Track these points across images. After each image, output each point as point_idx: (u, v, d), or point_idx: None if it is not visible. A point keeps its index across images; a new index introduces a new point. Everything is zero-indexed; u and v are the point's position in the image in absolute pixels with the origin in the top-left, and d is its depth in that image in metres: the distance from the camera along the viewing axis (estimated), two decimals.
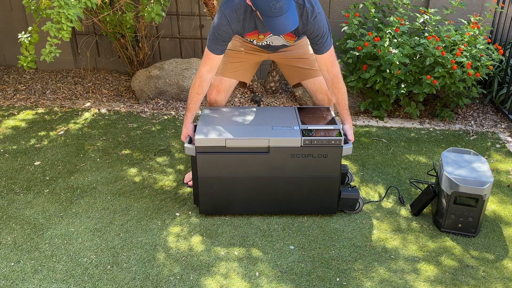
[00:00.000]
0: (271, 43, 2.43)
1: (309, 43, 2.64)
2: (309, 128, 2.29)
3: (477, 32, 3.54)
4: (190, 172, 2.73)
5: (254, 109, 2.54)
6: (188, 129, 2.43)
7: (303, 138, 2.22)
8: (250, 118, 2.41)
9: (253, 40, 2.42)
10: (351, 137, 2.41)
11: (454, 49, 3.46)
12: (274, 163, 2.28)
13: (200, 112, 2.54)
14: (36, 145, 3.19)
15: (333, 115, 2.44)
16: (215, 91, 2.59)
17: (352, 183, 2.78)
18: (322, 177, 2.32)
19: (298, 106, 2.57)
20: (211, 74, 2.38)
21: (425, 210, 2.54)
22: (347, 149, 2.28)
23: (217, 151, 2.25)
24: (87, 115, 3.72)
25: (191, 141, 2.38)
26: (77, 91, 4.20)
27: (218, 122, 2.36)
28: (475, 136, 3.46)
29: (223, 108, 2.56)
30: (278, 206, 2.41)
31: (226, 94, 2.61)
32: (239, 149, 2.25)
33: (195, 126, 2.46)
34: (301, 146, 2.24)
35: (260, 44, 2.45)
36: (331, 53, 2.35)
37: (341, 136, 2.24)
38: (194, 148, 2.26)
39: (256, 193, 2.36)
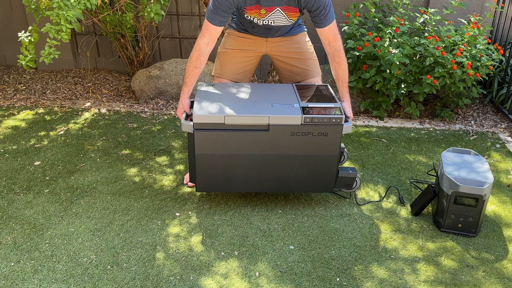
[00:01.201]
0: (272, 23, 2.39)
1: (308, 39, 2.63)
2: (309, 105, 2.26)
3: (477, 32, 3.54)
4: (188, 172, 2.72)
5: (252, 85, 2.52)
6: (184, 104, 2.39)
7: (303, 115, 2.20)
8: (248, 94, 2.38)
9: (254, 18, 2.37)
10: (349, 114, 2.40)
11: (454, 49, 3.46)
12: (273, 141, 2.25)
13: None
14: (36, 145, 3.19)
15: (332, 92, 2.42)
16: None
17: (345, 164, 2.74)
18: (321, 155, 2.30)
19: (296, 83, 2.54)
20: (210, 47, 2.33)
21: (425, 210, 2.54)
22: (347, 127, 2.27)
23: (215, 128, 2.21)
24: (87, 115, 3.72)
25: (187, 117, 2.34)
26: (77, 91, 4.20)
27: (216, 98, 2.32)
28: (475, 136, 3.46)
29: (220, 83, 2.53)
30: (276, 184, 2.38)
31: None
32: (238, 127, 2.22)
33: (192, 102, 2.42)
34: (301, 124, 2.22)
35: (261, 23, 2.40)
36: (333, 26, 2.33)
37: (342, 114, 2.23)
38: (191, 125, 2.22)
39: (254, 171, 2.33)
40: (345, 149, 2.71)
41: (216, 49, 2.66)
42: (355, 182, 2.45)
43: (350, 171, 2.43)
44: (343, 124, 2.24)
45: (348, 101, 2.44)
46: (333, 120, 2.22)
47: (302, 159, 2.31)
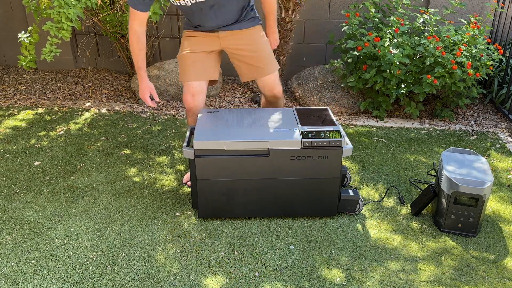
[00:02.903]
0: None
1: (262, 33, 2.57)
2: (308, 129, 2.28)
3: (477, 32, 3.54)
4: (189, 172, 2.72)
5: (252, 110, 2.53)
6: (147, 84, 2.42)
7: (303, 140, 2.22)
8: (248, 120, 2.40)
9: (187, 1, 2.30)
10: (275, 41, 2.61)
11: (454, 49, 3.46)
12: (274, 166, 2.27)
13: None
14: (36, 145, 3.19)
15: (332, 116, 2.43)
16: (189, 95, 2.53)
17: (351, 184, 2.78)
18: (322, 179, 2.31)
19: (297, 107, 2.55)
20: (143, 27, 2.35)
21: (425, 210, 2.54)
22: (347, 150, 2.27)
23: (216, 154, 2.23)
24: (87, 115, 3.72)
25: (152, 99, 2.37)
26: (77, 91, 4.20)
27: (216, 124, 2.35)
28: (475, 136, 3.46)
29: (221, 110, 2.55)
30: (278, 208, 2.40)
31: (202, 96, 2.55)
32: (238, 152, 2.24)
33: (193, 128, 2.44)
34: (301, 148, 2.23)
35: (195, 0, 2.31)
36: None
37: (341, 137, 2.24)
38: (192, 152, 2.24)
39: (255, 196, 2.35)
40: (348, 171, 2.72)
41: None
42: (358, 205, 2.45)
43: (353, 194, 2.42)
44: (343, 147, 2.24)
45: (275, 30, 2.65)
46: (333, 143, 2.22)
47: (303, 183, 2.32)
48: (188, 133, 2.47)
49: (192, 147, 2.25)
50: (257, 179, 2.30)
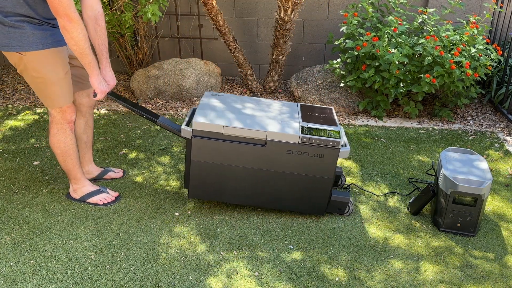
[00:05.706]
0: None
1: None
2: (309, 126, 2.28)
3: (476, 32, 3.54)
4: None
5: (257, 99, 2.54)
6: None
7: (301, 135, 2.22)
8: (252, 108, 2.40)
9: None
10: (113, 80, 2.31)
11: (452, 48, 3.46)
12: (269, 157, 2.27)
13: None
14: (35, 145, 3.19)
15: (335, 116, 2.44)
16: (74, 113, 2.39)
17: (345, 185, 2.77)
18: (315, 177, 2.31)
19: (301, 103, 2.55)
20: (84, 14, 2.18)
21: (424, 209, 2.54)
22: (344, 152, 2.27)
23: (213, 137, 2.24)
24: None
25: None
26: None
27: (219, 108, 2.35)
28: (474, 136, 3.46)
29: (226, 94, 2.55)
30: (268, 200, 2.40)
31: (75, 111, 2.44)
32: (236, 138, 2.24)
33: (194, 109, 2.43)
34: (298, 143, 2.24)
35: None
36: None
37: (340, 138, 2.24)
38: (190, 131, 2.25)
39: (247, 184, 2.35)
40: (343, 173, 2.73)
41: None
42: (347, 207, 2.45)
43: (343, 196, 2.42)
44: (339, 148, 2.24)
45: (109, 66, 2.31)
46: (330, 143, 2.22)
47: (296, 178, 2.32)
48: (189, 113, 2.48)
49: (191, 127, 2.26)
50: (251, 168, 2.30)
